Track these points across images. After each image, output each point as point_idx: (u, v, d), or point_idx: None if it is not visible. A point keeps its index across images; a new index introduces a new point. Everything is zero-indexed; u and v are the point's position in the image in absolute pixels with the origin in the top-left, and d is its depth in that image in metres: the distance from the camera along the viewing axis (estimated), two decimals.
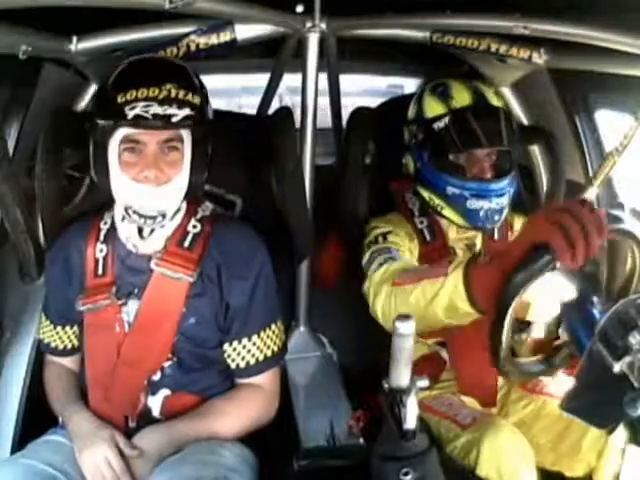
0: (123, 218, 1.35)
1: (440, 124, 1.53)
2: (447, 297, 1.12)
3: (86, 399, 1.38)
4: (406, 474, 0.89)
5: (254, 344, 1.38)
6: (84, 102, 1.71)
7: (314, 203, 1.80)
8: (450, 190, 1.52)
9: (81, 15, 1.30)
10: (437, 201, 1.57)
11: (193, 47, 1.60)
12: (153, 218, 1.29)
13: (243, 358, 1.38)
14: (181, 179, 1.30)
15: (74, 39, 1.49)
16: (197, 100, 1.29)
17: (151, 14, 1.25)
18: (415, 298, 1.20)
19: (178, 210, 1.36)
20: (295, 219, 1.60)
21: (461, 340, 1.53)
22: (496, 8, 1.46)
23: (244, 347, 1.38)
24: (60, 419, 1.38)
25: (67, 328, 1.45)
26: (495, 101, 1.56)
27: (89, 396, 1.37)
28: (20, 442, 1.39)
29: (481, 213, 1.51)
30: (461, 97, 1.54)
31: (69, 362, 1.48)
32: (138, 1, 1.24)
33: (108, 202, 1.48)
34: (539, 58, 1.64)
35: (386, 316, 1.30)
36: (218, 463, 1.21)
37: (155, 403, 1.34)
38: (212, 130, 1.36)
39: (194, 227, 1.39)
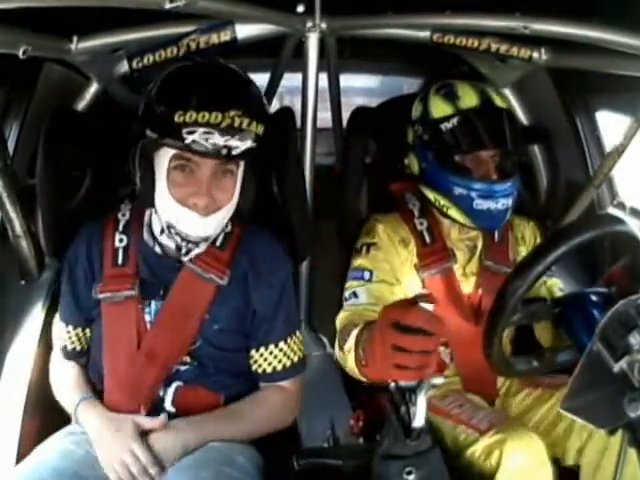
0: (162, 231, 1.31)
1: (448, 124, 1.51)
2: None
3: (96, 391, 1.37)
4: (409, 473, 0.88)
5: (281, 350, 1.38)
6: (84, 102, 1.70)
7: (314, 203, 1.80)
8: (457, 190, 1.51)
9: (81, 15, 1.29)
10: (442, 202, 1.56)
11: (193, 47, 1.60)
12: (196, 243, 1.27)
13: (270, 364, 1.38)
14: (231, 206, 1.27)
15: (74, 39, 1.48)
16: (260, 129, 1.19)
17: (151, 14, 1.24)
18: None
19: None
20: (295, 219, 1.61)
21: (462, 338, 1.53)
22: (496, 8, 1.46)
23: (271, 353, 1.37)
24: (73, 418, 1.35)
25: (87, 330, 1.41)
26: (500, 102, 1.55)
27: (104, 384, 1.35)
28: (25, 441, 1.38)
29: (487, 214, 1.51)
30: (468, 98, 1.53)
31: (81, 361, 1.45)
32: (138, 1, 1.23)
33: (108, 201, 1.49)
34: (539, 58, 1.65)
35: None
36: (233, 469, 1.20)
37: (168, 394, 1.32)
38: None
39: (225, 225, 1.35)
